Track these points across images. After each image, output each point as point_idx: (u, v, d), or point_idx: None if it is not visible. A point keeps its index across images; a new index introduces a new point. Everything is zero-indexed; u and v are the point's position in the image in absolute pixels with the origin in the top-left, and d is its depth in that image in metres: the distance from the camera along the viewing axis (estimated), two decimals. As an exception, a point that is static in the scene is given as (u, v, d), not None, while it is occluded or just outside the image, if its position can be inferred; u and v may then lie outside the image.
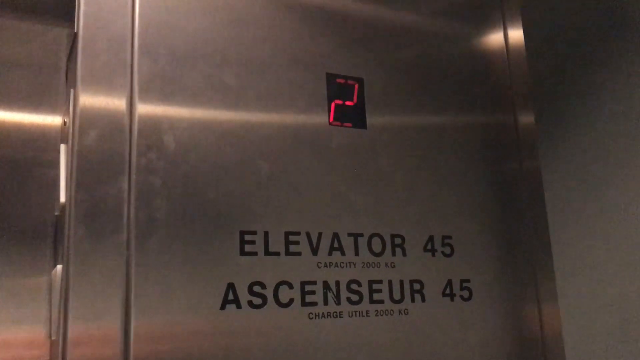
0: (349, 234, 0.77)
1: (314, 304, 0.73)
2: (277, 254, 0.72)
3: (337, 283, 0.75)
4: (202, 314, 0.67)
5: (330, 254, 0.75)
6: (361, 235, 0.78)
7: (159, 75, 0.71)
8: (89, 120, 0.67)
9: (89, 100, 0.67)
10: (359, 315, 0.75)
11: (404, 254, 0.80)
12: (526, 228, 0.90)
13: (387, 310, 0.77)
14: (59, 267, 0.72)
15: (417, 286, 0.80)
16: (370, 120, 0.82)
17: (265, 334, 0.70)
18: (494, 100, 0.94)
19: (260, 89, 0.76)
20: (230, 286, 0.69)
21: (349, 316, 0.74)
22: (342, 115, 0.80)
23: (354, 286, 0.76)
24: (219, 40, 0.75)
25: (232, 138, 0.73)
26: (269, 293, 0.71)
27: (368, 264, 0.77)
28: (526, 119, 0.93)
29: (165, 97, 0.71)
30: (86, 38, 0.69)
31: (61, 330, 0.64)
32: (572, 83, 0.97)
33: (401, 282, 0.79)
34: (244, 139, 0.74)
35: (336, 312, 0.74)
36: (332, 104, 0.80)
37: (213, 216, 0.70)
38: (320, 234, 0.75)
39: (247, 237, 0.71)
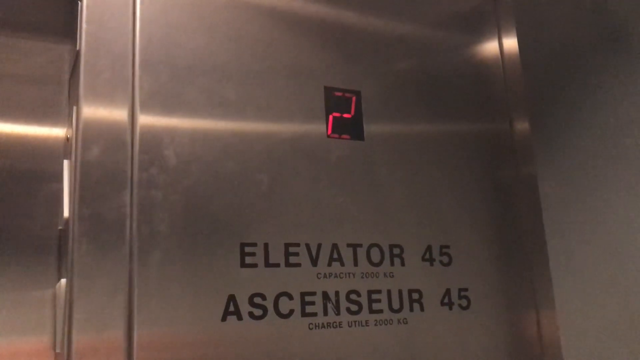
0: (348, 245, 0.78)
1: (313, 314, 0.74)
2: (277, 265, 0.73)
3: (337, 293, 0.76)
4: (204, 326, 0.68)
5: (329, 264, 0.76)
6: (360, 245, 0.79)
7: (160, 91, 0.72)
8: (91, 136, 0.68)
9: (91, 116, 0.69)
10: (359, 325, 0.76)
11: (403, 264, 0.81)
12: (523, 235, 0.91)
13: (386, 319, 0.78)
14: (63, 280, 0.74)
15: (415, 295, 0.81)
16: (368, 131, 0.83)
17: (265, 344, 0.70)
18: (490, 108, 0.95)
19: (260, 102, 0.77)
20: (231, 298, 0.70)
21: (349, 326, 0.75)
22: (340, 128, 0.81)
23: (353, 296, 0.77)
24: (218, 56, 0.76)
25: (232, 151, 0.74)
26: (269, 304, 0.72)
27: (367, 274, 0.78)
28: (522, 126, 0.94)
29: (166, 112, 0.72)
30: (88, 55, 0.70)
31: (66, 343, 0.66)
32: (567, 90, 0.98)
33: (400, 292, 0.80)
34: (243, 152, 0.75)
35: (336, 323, 0.75)
36: (330, 117, 0.81)
37: (214, 229, 0.71)
38: (319, 245, 0.76)
39: (248, 249, 0.72)
